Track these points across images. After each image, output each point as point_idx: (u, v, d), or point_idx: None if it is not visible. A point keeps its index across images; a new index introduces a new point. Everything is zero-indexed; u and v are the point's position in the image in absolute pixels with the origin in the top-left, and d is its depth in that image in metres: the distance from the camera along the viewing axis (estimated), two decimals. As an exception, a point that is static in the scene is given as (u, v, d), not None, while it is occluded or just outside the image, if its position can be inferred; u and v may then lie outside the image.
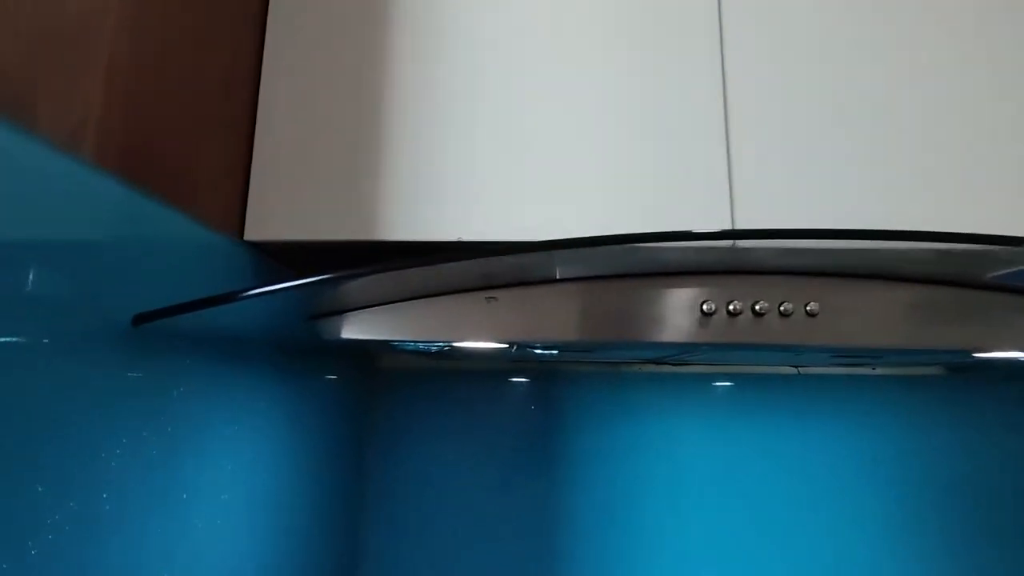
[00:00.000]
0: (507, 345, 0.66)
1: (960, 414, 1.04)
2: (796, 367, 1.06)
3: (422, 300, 0.66)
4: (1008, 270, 0.49)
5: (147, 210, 0.53)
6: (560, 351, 0.69)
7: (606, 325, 0.57)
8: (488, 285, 0.63)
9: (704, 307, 0.55)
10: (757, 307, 0.53)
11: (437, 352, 0.80)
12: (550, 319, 0.59)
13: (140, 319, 0.50)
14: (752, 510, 1.03)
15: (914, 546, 1.00)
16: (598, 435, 1.09)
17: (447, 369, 1.16)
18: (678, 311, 0.55)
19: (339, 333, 0.68)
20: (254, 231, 0.69)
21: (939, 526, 1.01)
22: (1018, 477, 1.02)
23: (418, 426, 1.13)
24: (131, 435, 0.51)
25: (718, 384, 1.09)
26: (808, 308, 0.53)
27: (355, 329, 0.67)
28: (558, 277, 0.59)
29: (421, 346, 0.72)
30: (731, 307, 0.54)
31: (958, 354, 0.55)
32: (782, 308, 0.53)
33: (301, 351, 0.89)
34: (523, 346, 0.66)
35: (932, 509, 1.01)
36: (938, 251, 0.48)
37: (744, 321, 0.54)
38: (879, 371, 1.05)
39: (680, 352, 0.66)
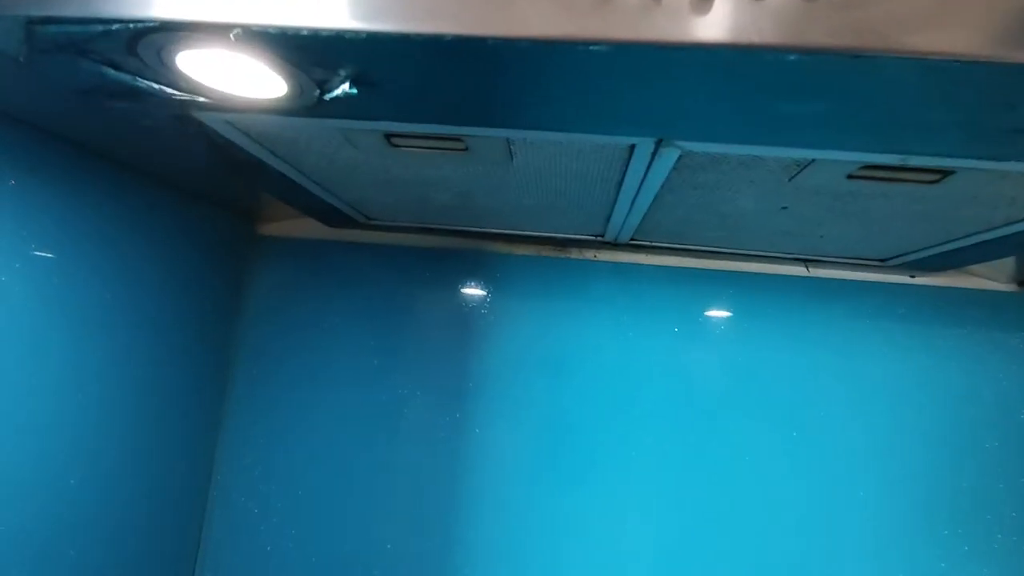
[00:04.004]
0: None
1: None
2: (807, 263, 0.85)
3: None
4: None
5: None
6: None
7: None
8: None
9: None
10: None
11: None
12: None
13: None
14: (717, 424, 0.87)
15: (896, 481, 0.84)
16: (526, 330, 0.89)
17: (342, 241, 0.94)
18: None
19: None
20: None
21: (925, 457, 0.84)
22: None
23: (299, 305, 0.94)
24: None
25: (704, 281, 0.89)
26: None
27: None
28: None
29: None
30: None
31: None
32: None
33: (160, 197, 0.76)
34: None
35: (922, 440, 0.84)
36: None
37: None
38: (917, 279, 0.83)
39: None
